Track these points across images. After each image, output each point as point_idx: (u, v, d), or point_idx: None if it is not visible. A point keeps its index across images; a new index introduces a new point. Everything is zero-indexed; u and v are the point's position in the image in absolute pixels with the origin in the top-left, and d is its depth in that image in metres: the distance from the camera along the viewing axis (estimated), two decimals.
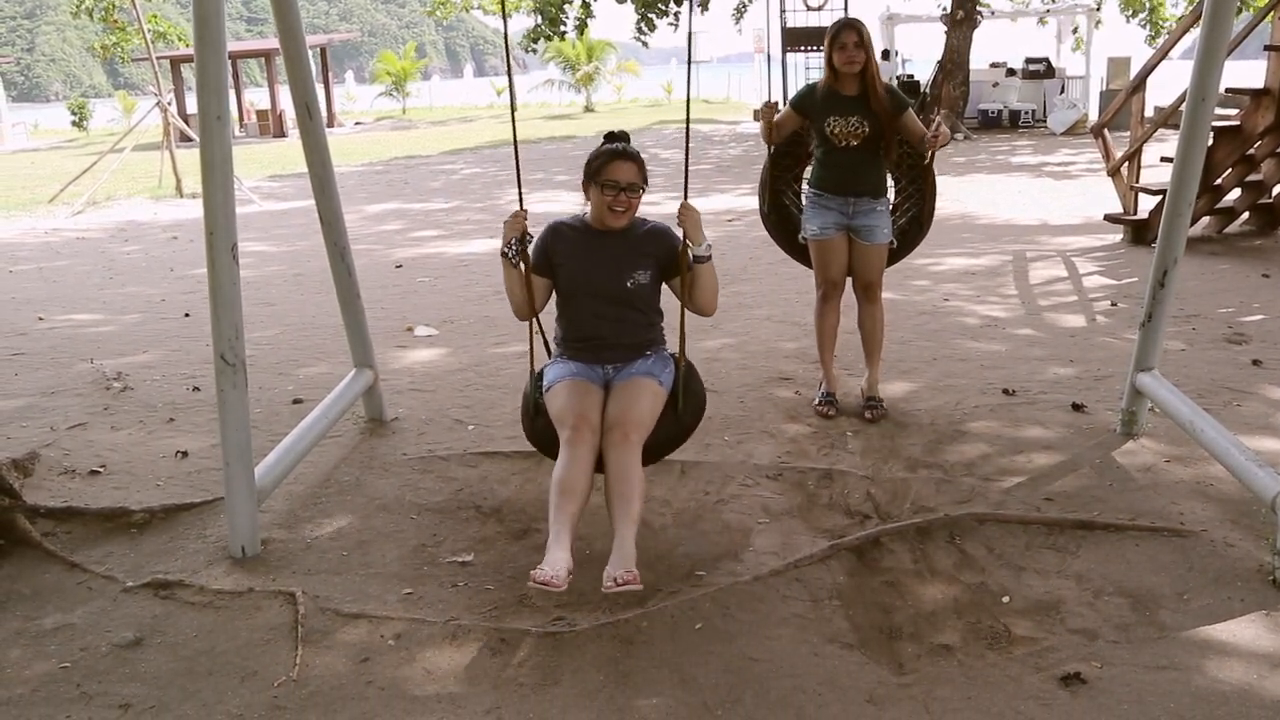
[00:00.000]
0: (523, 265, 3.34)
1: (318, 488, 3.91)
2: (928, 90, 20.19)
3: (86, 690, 2.67)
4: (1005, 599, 3.08)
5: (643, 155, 3.41)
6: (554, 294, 3.47)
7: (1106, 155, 8.78)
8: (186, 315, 6.96)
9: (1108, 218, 8.71)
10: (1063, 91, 21.54)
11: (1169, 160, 8.06)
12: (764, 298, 6.98)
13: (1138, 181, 8.48)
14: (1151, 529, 3.42)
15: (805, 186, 4.69)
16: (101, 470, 4.14)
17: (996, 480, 3.88)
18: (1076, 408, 4.58)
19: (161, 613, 3.02)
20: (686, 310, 3.45)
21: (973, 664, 2.75)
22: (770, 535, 3.50)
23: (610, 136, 3.44)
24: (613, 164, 3.29)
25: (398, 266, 8.73)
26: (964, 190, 12.15)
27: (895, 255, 4.70)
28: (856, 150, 4.35)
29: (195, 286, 7.93)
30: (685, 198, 3.35)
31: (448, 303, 7.22)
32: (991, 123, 21.05)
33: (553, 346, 3.55)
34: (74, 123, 34.42)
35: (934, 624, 2.97)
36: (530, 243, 3.37)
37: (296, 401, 4.97)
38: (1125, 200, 8.60)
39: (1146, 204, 8.49)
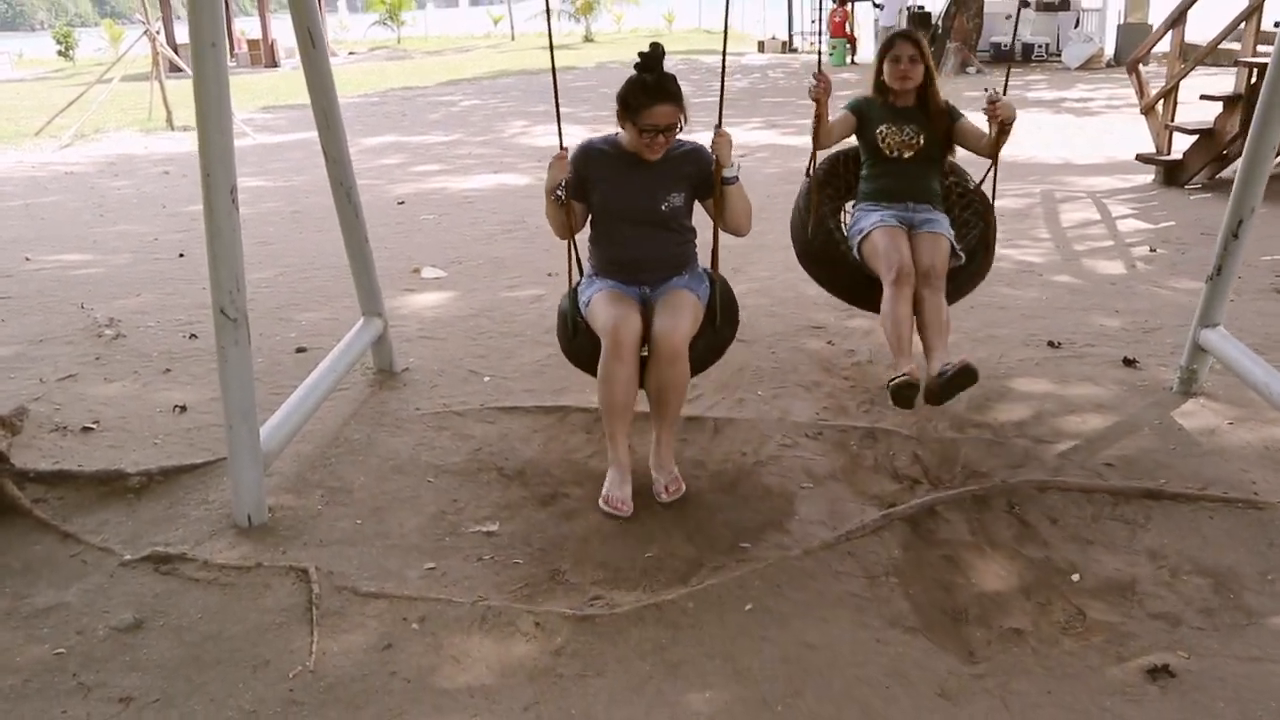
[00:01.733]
0: (567, 199, 3.32)
1: (326, 447, 3.65)
2: (940, 23, 19.59)
3: (84, 681, 2.43)
4: (1075, 577, 2.85)
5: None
6: (590, 213, 3.47)
7: (1140, 92, 8.40)
8: (181, 255, 6.65)
9: (1140, 158, 8.36)
10: (1078, 25, 20.95)
11: (1211, 99, 7.81)
12: (786, 238, 6.59)
13: (1173, 120, 8.12)
14: (1224, 500, 3.18)
15: (848, 212, 4.21)
16: (94, 427, 3.88)
17: (1050, 443, 3.63)
18: (1128, 363, 4.32)
19: (163, 590, 2.78)
20: (719, 226, 3.52)
21: (1048, 652, 2.52)
22: (815, 502, 3.26)
23: (645, 62, 3.19)
24: (654, 109, 3.16)
25: (400, 203, 8.39)
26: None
27: (963, 283, 4.02)
28: (909, 162, 3.96)
29: (189, 225, 7.60)
30: (720, 123, 3.31)
31: (454, 242, 6.91)
32: (1004, 56, 20.47)
33: (586, 265, 3.54)
34: (60, 52, 33.56)
35: (1001, 605, 2.74)
36: (569, 187, 3.31)
37: (300, 350, 4.70)
38: (1159, 140, 8.24)
39: (1180, 144, 8.15)
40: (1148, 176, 8.38)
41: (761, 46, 26.31)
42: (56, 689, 2.41)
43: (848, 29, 22.68)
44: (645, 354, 3.29)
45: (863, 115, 4.00)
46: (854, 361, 4.42)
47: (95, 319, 5.20)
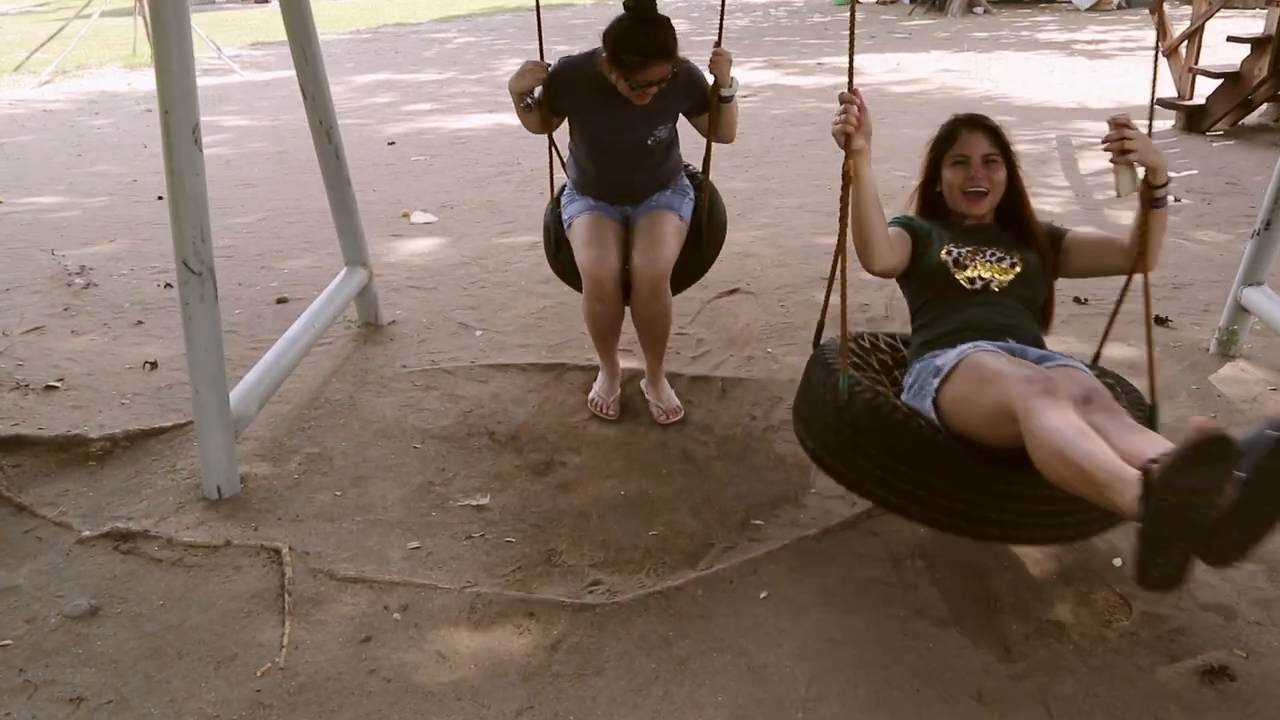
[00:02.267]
0: (539, 106, 3.18)
1: (305, 408, 3.40)
2: None
3: (32, 677, 2.20)
4: (1117, 561, 2.62)
5: None
6: (570, 133, 3.34)
7: (1163, 33, 7.98)
8: (160, 198, 6.32)
9: (1160, 102, 8.00)
10: None
11: (1237, 40, 7.45)
12: (792, 184, 6.37)
13: (1197, 63, 7.76)
14: None
15: (905, 380, 2.58)
16: (59, 385, 3.62)
17: None
18: (1160, 321, 4.07)
19: (122, 572, 2.54)
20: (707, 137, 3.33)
21: (1092, 649, 2.30)
22: None
23: (636, 8, 2.96)
24: (648, 69, 2.98)
25: (390, 143, 8.05)
26: (993, 69, 11.37)
27: None
28: (1002, 295, 2.51)
29: None
30: (719, 43, 3.15)
31: (446, 184, 6.59)
32: None
33: (568, 174, 3.44)
34: None
35: (1038, 593, 2.51)
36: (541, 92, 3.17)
37: (281, 301, 4.42)
38: (1181, 84, 7.89)
39: (1203, 89, 7.80)
40: (1167, 122, 8.05)
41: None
42: (2, 686, 2.18)
43: None
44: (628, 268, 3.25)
45: (919, 231, 2.63)
46: (869, 316, 4.16)
47: (66, 266, 4.92)
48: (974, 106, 3.87)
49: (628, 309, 3.30)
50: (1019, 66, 11.49)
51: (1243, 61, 7.33)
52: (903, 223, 2.66)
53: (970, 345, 2.34)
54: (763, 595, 2.45)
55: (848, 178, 2.33)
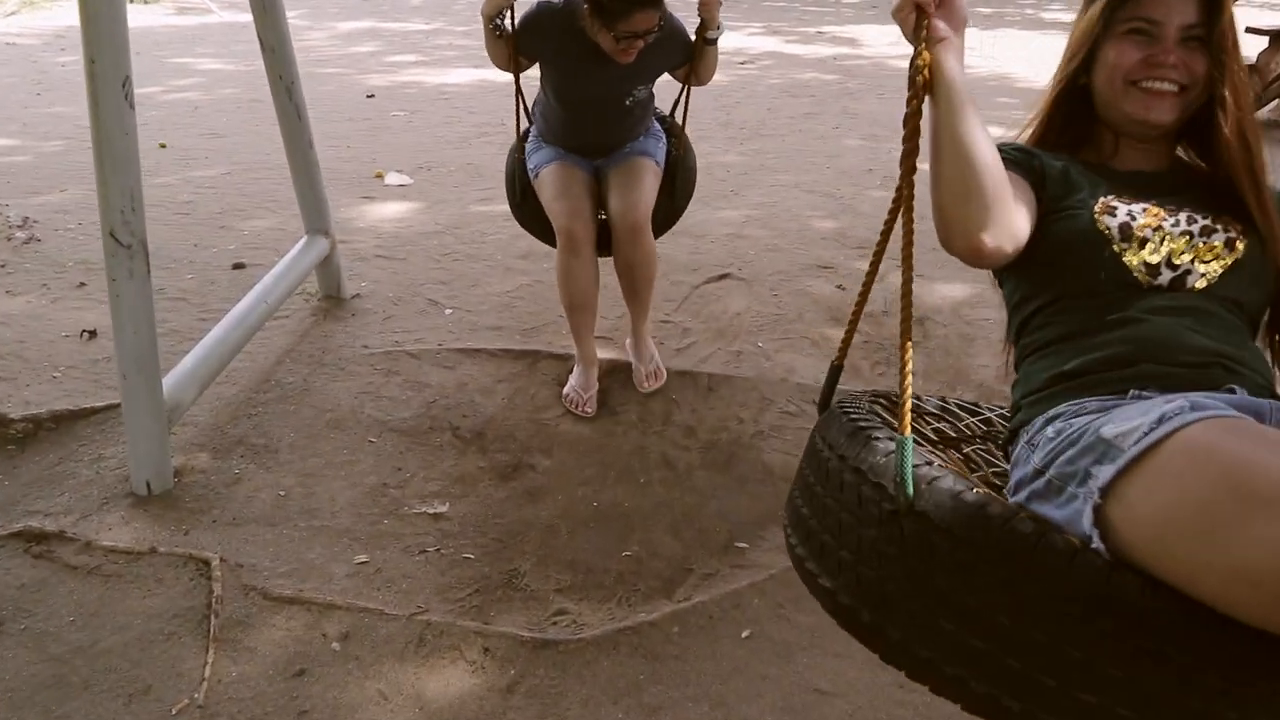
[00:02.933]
0: (512, 35, 2.88)
1: (253, 391, 3.12)
2: None
3: None
4: None
5: None
6: (541, 83, 3.08)
7: None
8: None
9: None
10: None
11: (1256, 31, 7.17)
12: (788, 160, 6.07)
13: None
14: None
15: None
16: None
17: None
18: None
19: (31, 580, 2.27)
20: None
21: None
22: None
23: None
24: (633, 15, 2.69)
25: (369, 96, 7.67)
26: (996, 47, 11.04)
27: None
28: (1207, 298, 1.43)
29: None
30: None
31: (425, 143, 6.26)
32: None
33: (535, 122, 3.19)
34: None
35: None
36: (511, 16, 2.85)
37: (238, 266, 4.12)
38: None
39: None
40: None
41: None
42: None
43: None
44: (603, 218, 3.11)
45: (1047, 174, 1.55)
46: (866, 312, 3.85)
47: (8, 218, 4.58)
48: (974, 86, 3.58)
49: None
50: (1023, 45, 11.16)
51: (1259, 55, 7.05)
52: (1017, 158, 1.54)
53: (1175, 406, 1.16)
54: (745, 634, 2.21)
55: (922, 84, 1.28)
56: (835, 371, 1.72)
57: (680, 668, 2.10)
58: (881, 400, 1.66)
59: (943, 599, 1.14)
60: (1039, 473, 1.27)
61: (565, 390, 3.17)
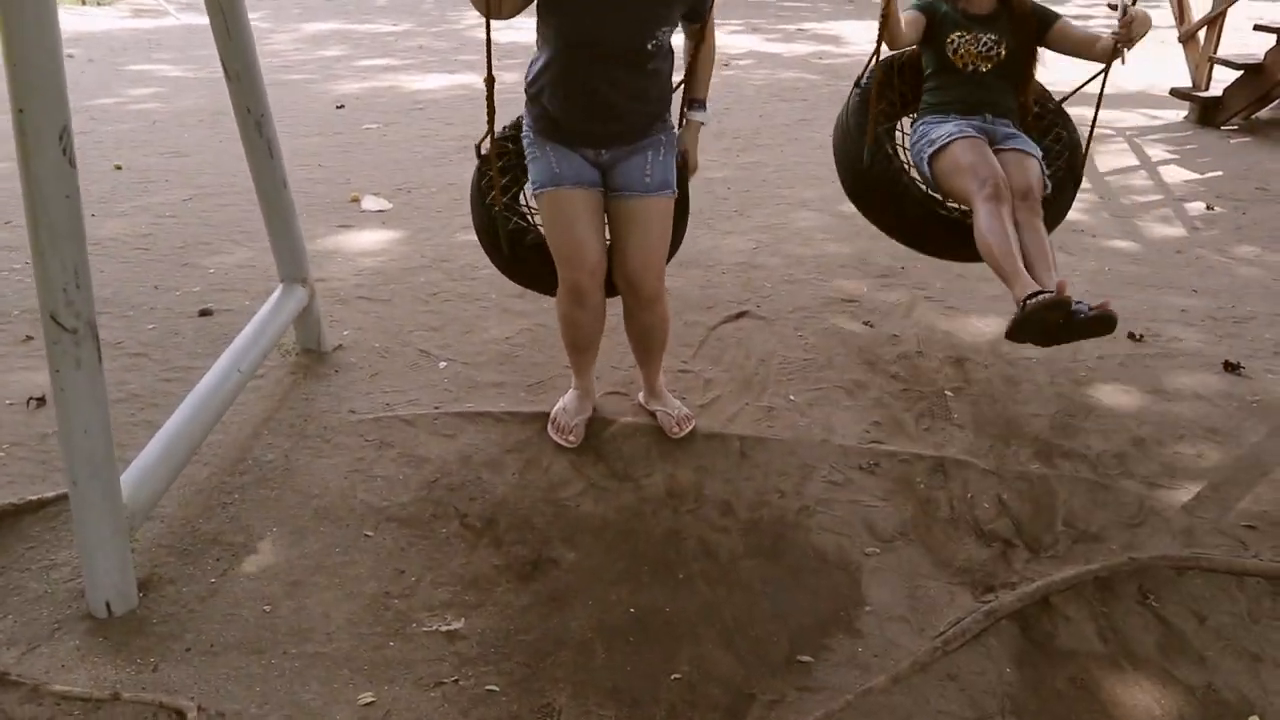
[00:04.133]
0: None
1: (228, 473, 2.73)
2: None
3: None
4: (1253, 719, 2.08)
5: None
6: (538, 37, 2.58)
7: (1180, 17, 7.48)
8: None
9: (1174, 92, 7.49)
10: None
11: (1265, 29, 6.93)
12: (792, 175, 5.73)
13: (1215, 52, 7.23)
14: None
15: (904, 132, 3.58)
16: None
17: (1166, 487, 2.85)
18: (1230, 368, 3.53)
19: None
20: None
21: None
22: (888, 580, 2.45)
23: None
24: None
25: (339, 107, 7.25)
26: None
27: (1046, 220, 3.22)
28: (986, 75, 3.32)
29: (87, 125, 6.38)
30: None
31: (402, 160, 5.86)
32: None
33: (529, 108, 2.67)
34: None
35: None
36: None
37: (204, 313, 3.71)
38: (1197, 73, 7.36)
39: (1220, 79, 7.29)
40: (1179, 113, 7.54)
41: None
42: None
43: None
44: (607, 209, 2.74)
45: (933, 17, 3.34)
46: (899, 353, 3.57)
47: None
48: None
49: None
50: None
51: (1267, 53, 6.81)
52: (922, 7, 3.34)
53: (955, 126, 3.24)
54: None
55: (887, 3, 3.09)
56: (867, 65, 3.33)
57: None
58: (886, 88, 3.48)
59: (875, 189, 3.34)
60: (914, 144, 3.38)
61: (553, 412, 2.98)
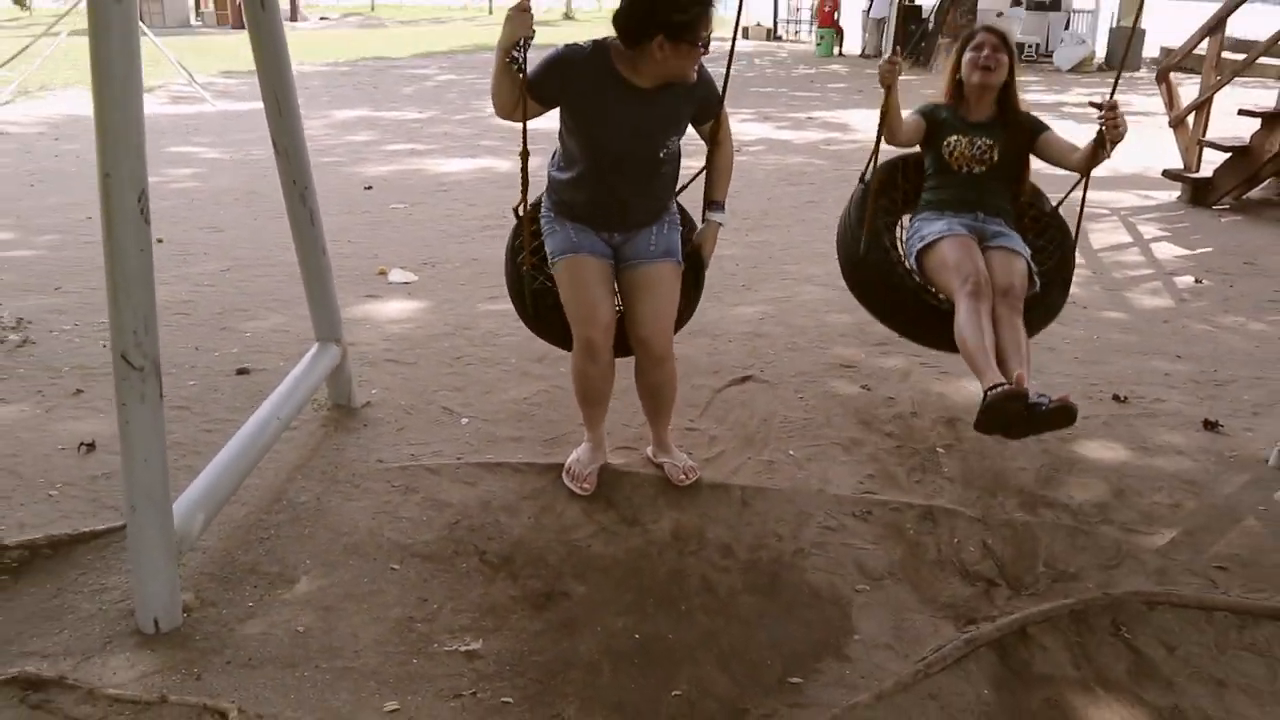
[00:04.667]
0: (523, 75, 2.72)
1: (264, 512, 2.94)
2: (932, 17, 19.00)
3: None
4: None
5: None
6: (561, 144, 2.97)
7: (1170, 103, 7.82)
8: None
9: (1167, 174, 7.79)
10: (1068, 26, 20.47)
11: (1249, 114, 7.25)
12: (797, 251, 6.01)
13: (1204, 135, 7.55)
14: None
15: (904, 226, 3.73)
16: None
17: (1143, 533, 3.02)
18: (1209, 425, 3.72)
19: None
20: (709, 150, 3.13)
21: None
22: (876, 614, 2.62)
23: None
24: (708, 15, 2.70)
25: (367, 188, 7.62)
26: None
27: (1036, 318, 3.45)
28: (980, 176, 3.51)
29: None
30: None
31: (427, 238, 6.18)
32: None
33: (549, 193, 3.05)
34: (16, 1, 32.04)
35: None
36: (528, 48, 2.70)
37: (241, 371, 3.96)
38: (1188, 155, 7.68)
39: (1210, 160, 7.59)
40: (1172, 194, 7.83)
41: (746, 32, 25.59)
42: None
43: (835, 19, 22.07)
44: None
45: (933, 121, 3.58)
46: (895, 413, 3.77)
47: (1, 318, 4.42)
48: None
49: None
50: None
51: (1253, 136, 7.12)
52: (924, 112, 3.59)
53: (946, 224, 3.42)
54: None
55: (886, 104, 3.33)
56: (868, 165, 3.51)
57: None
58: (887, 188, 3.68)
59: (870, 280, 3.54)
60: (909, 237, 3.55)
61: (568, 463, 3.18)
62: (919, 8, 20.44)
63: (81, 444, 3.31)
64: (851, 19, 23.14)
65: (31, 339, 4.23)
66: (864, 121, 11.63)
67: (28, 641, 2.36)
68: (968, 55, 3.51)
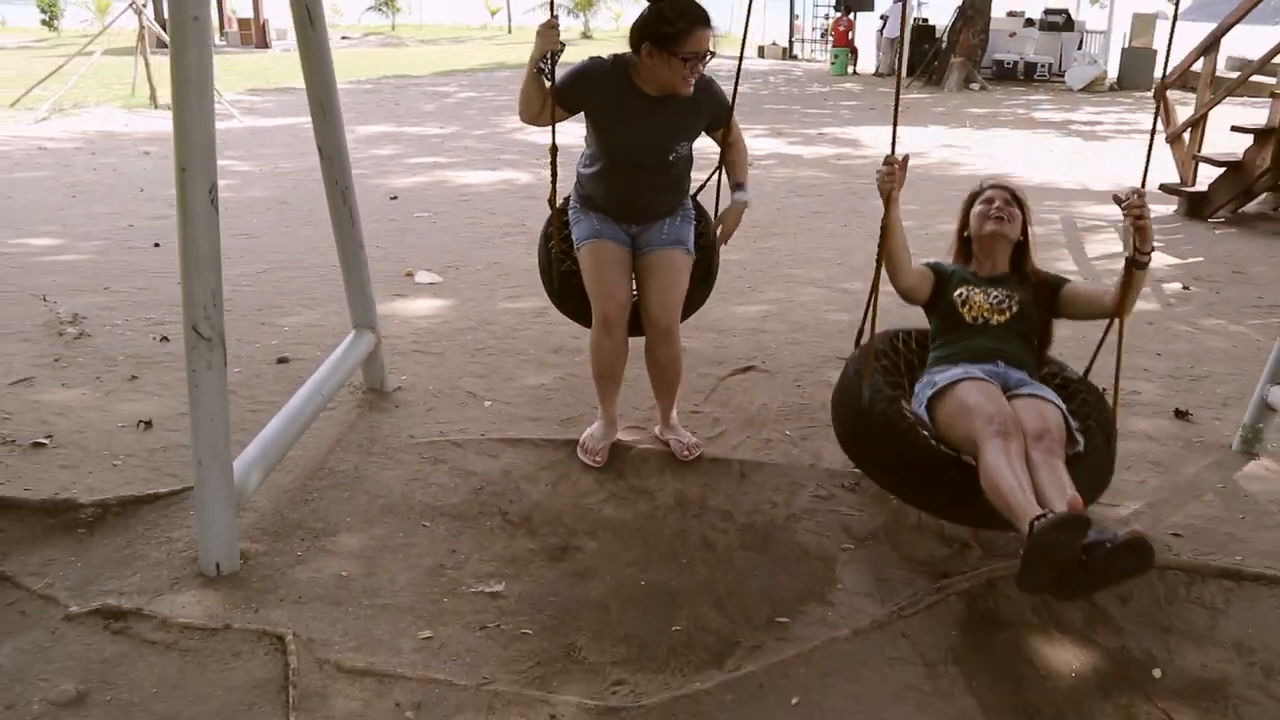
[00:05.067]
0: (551, 74, 3.14)
1: (309, 479, 3.26)
2: (944, 37, 19.34)
3: None
4: (1157, 673, 2.51)
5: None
6: (587, 145, 3.38)
7: (1167, 120, 8.10)
8: (156, 245, 6.23)
9: (1164, 188, 8.06)
10: (1081, 46, 20.77)
11: (1242, 130, 7.53)
12: (801, 257, 6.32)
13: (1199, 150, 7.83)
14: None
15: (909, 394, 3.14)
16: (47, 442, 3.47)
17: (1109, 505, 3.29)
18: (1180, 414, 3.99)
19: (113, 654, 2.38)
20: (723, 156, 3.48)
21: None
22: (858, 568, 2.91)
23: None
24: (696, 33, 3.03)
25: (392, 198, 7.97)
26: (993, 145, 11.48)
27: (1083, 477, 2.67)
28: (998, 328, 3.07)
29: (166, 210, 7.15)
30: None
31: (450, 244, 6.51)
32: (1006, 74, 20.27)
33: (576, 188, 3.47)
34: (44, 21, 32.77)
35: (1078, 707, 2.39)
36: (558, 58, 3.13)
37: (282, 360, 4.30)
38: (1184, 170, 7.95)
39: (1205, 175, 7.87)
40: (1169, 207, 8.09)
41: (762, 51, 25.98)
42: None
43: (850, 38, 22.44)
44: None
45: (941, 273, 3.21)
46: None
47: (58, 314, 4.78)
48: (972, 182, 3.74)
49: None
50: (1017, 144, 11.60)
51: (1245, 151, 7.39)
52: (932, 265, 3.25)
53: (962, 370, 2.94)
54: (794, 701, 2.32)
55: (887, 220, 2.95)
56: (861, 330, 3.14)
57: None
58: (885, 344, 3.33)
59: (875, 435, 2.86)
60: (918, 391, 3.02)
61: (582, 438, 3.47)
62: (932, 27, 20.79)
63: (140, 421, 3.64)
64: (866, 39, 23.51)
65: (87, 332, 4.58)
66: (874, 138, 11.93)
67: (105, 582, 2.68)
68: (976, 209, 3.21)
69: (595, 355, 3.34)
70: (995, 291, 3.12)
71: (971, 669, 2.50)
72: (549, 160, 3.35)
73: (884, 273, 2.99)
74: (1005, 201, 3.19)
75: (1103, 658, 2.56)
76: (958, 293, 3.13)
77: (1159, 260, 6.57)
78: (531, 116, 3.20)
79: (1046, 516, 2.33)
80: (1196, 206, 7.76)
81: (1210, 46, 7.70)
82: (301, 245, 6.28)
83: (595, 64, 3.20)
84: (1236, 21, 7.44)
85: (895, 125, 2.96)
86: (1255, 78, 7.76)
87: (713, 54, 3.09)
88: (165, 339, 4.50)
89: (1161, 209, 8.09)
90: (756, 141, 11.30)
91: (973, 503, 2.60)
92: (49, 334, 4.55)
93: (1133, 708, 2.39)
